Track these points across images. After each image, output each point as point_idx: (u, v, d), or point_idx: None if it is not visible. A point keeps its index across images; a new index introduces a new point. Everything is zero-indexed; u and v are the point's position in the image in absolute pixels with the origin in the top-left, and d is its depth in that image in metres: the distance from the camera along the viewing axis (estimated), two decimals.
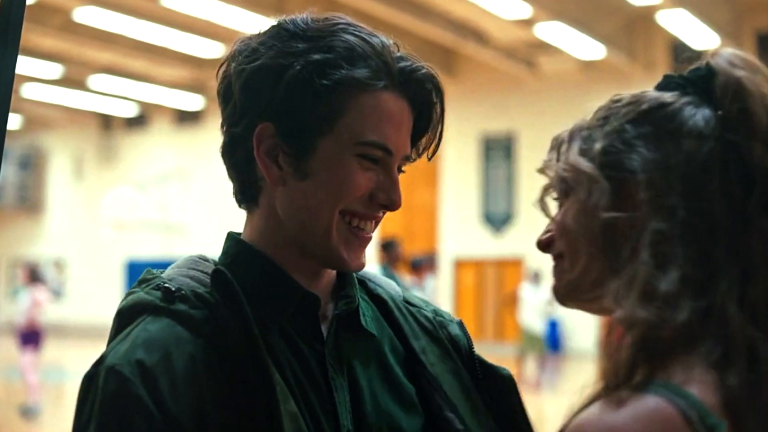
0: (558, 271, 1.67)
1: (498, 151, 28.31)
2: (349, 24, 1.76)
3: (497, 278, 28.72)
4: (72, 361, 23.69)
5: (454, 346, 1.93)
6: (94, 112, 34.08)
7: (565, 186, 1.64)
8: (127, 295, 1.74)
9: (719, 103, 1.55)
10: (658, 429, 1.34)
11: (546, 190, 1.69)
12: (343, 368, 1.77)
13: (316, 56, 1.68)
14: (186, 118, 33.51)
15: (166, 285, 1.69)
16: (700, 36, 22.10)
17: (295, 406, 1.64)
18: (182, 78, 28.67)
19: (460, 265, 29.06)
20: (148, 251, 33.34)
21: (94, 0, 20.87)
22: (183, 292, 1.68)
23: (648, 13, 22.08)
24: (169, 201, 32.06)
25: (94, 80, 28.92)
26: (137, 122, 34.90)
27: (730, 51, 1.59)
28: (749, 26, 24.10)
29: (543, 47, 24.49)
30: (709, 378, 1.41)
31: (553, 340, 25.44)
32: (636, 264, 1.48)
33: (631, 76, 24.89)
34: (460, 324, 1.99)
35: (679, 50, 24.14)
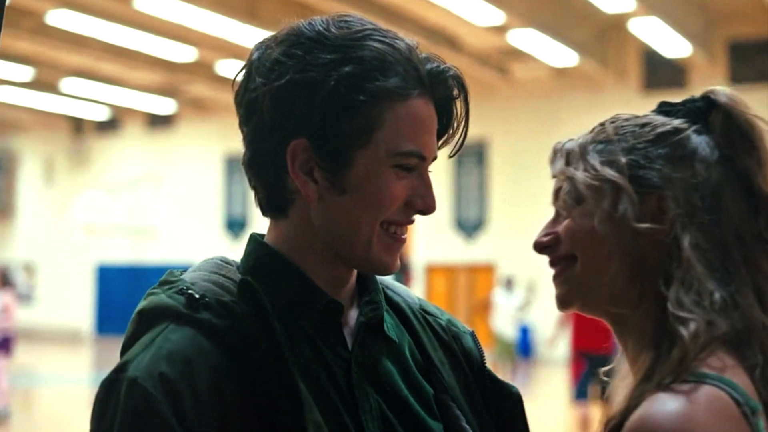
0: (567, 275, 1.75)
1: (470, 157, 28.37)
2: (373, 29, 1.71)
3: (469, 284, 28.77)
4: (42, 366, 23.58)
5: (467, 359, 1.92)
6: (65, 116, 33.96)
7: (577, 194, 1.72)
8: (148, 295, 1.70)
9: (723, 135, 1.71)
10: (719, 414, 1.48)
11: (557, 194, 1.77)
12: (369, 375, 1.74)
13: (348, 68, 1.65)
14: (158, 122, 33.42)
15: (190, 291, 1.66)
16: (672, 44, 22.20)
17: (320, 416, 1.61)
18: (154, 82, 28.59)
19: (431, 270, 29.10)
20: (119, 255, 33.23)
21: (67, 3, 20.79)
22: (207, 299, 1.65)
23: (620, 20, 22.15)
24: (141, 205, 31.95)
25: (66, 83, 28.80)
26: (109, 126, 34.79)
27: (723, 88, 1.77)
28: (721, 35, 24.23)
29: (516, 54, 24.54)
30: (739, 367, 1.56)
31: (525, 346, 25.46)
32: (687, 273, 1.61)
33: (603, 83, 24.98)
34: (473, 336, 1.98)
35: (651, 58, 24.30)
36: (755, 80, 24.04)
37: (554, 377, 20.84)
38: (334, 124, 1.66)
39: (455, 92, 1.76)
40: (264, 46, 1.73)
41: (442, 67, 1.74)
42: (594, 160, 1.71)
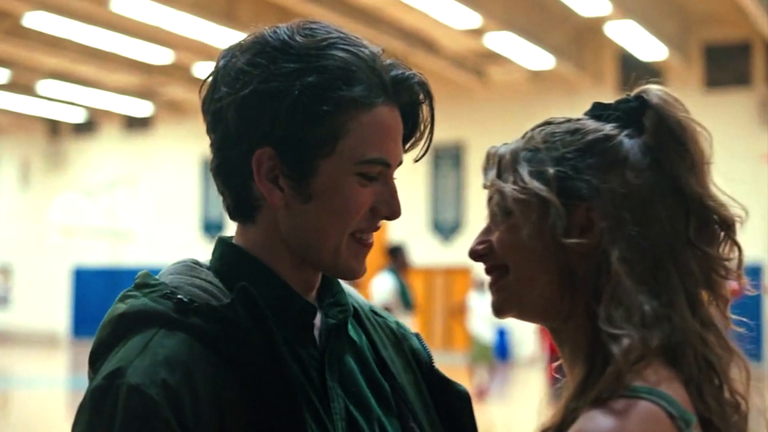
0: (501, 285, 1.73)
1: (447, 160, 28.41)
2: (338, 38, 1.72)
3: (446, 287, 28.80)
4: (18, 368, 23.48)
5: (416, 359, 1.94)
6: (41, 118, 33.84)
7: (506, 206, 1.69)
8: (125, 297, 1.69)
9: (654, 138, 1.67)
10: (653, 430, 1.47)
11: (496, 205, 1.73)
12: (336, 376, 1.76)
13: (311, 78, 1.66)
14: (135, 125, 33.35)
15: (180, 296, 1.65)
16: (648, 47, 22.28)
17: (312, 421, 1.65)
18: (131, 84, 28.53)
19: (408, 273, 29.09)
20: (95, 258, 33.13)
21: (43, 5, 20.72)
22: (197, 304, 1.64)
23: (596, 24, 22.22)
24: (118, 207, 31.86)
25: (42, 85, 28.70)
26: (85, 128, 34.68)
27: (657, 87, 1.72)
28: (696, 38, 24.34)
29: (492, 57, 24.59)
30: (675, 379, 1.56)
31: (502, 349, 25.50)
32: (616, 288, 1.59)
33: (580, 86, 25.06)
34: (419, 337, 2.01)
35: (627, 61, 24.37)
36: (731, 83, 24.19)
37: (531, 380, 20.85)
38: (298, 134, 1.67)
39: (420, 98, 1.77)
40: (229, 54, 1.74)
41: (407, 73, 1.75)
42: (523, 170, 1.68)
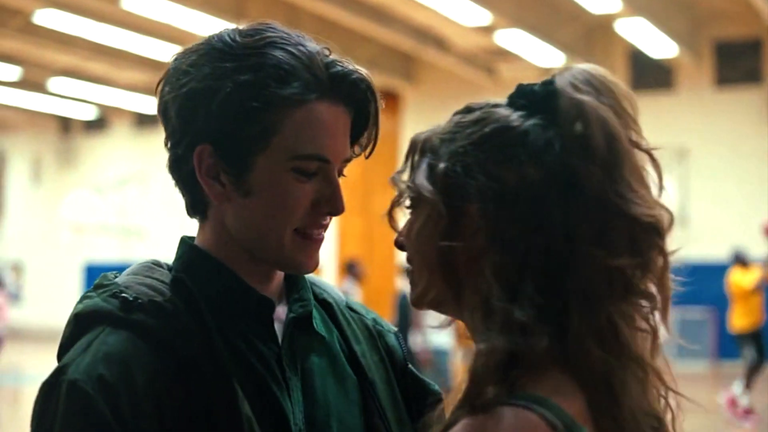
0: (411, 278, 1.68)
1: None
2: (278, 37, 1.76)
3: None
4: (29, 365, 23.51)
5: (390, 357, 1.98)
6: (53, 115, 33.86)
7: (406, 202, 1.65)
8: (83, 298, 1.76)
9: (562, 126, 1.53)
10: None
11: (396, 202, 1.68)
12: (297, 369, 1.80)
13: (245, 77, 1.70)
14: (145, 122, 33.33)
15: (124, 294, 1.71)
16: (659, 45, 22.24)
17: (250, 409, 1.67)
18: (142, 81, 28.52)
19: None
20: (106, 255, 33.15)
21: (54, 2, 20.74)
22: (140, 301, 1.70)
23: (607, 21, 22.19)
24: (128, 204, 31.89)
25: (54, 83, 28.73)
26: (96, 125, 34.70)
27: (577, 69, 1.58)
28: (707, 35, 24.27)
29: (503, 54, 24.54)
30: (573, 390, 1.48)
31: None
32: (486, 295, 1.50)
33: None
34: (397, 335, 2.04)
35: (638, 59, 24.33)
36: (742, 80, 24.13)
37: None
38: (232, 131, 1.72)
39: (361, 95, 1.79)
40: (179, 56, 1.81)
41: (347, 69, 1.78)
42: (423, 164, 1.60)
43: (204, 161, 1.74)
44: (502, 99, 1.65)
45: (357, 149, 1.85)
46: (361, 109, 1.81)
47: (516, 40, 21.95)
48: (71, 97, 30.39)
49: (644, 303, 1.56)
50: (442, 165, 1.57)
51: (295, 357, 1.81)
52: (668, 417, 1.60)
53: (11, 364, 21.41)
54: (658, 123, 23.91)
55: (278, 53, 1.72)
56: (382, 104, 1.85)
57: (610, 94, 1.54)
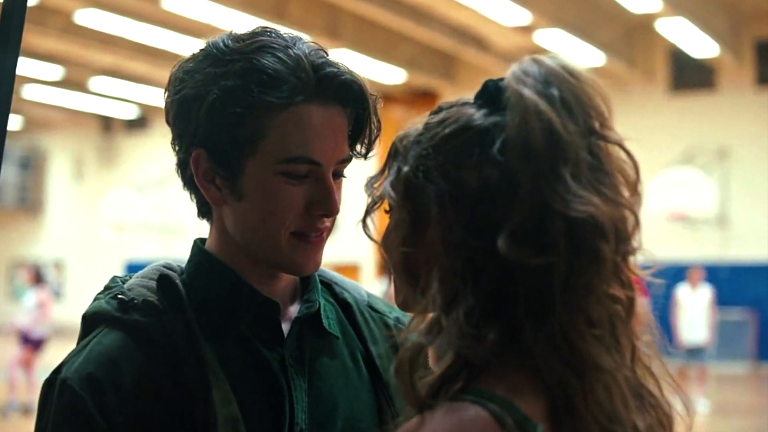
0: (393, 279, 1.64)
1: None
2: (269, 41, 1.77)
3: None
4: None
5: None
6: (94, 114, 34.04)
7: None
8: (94, 300, 1.84)
9: (506, 122, 1.46)
10: (465, 429, 1.36)
11: (369, 210, 1.63)
12: (304, 369, 1.82)
13: (230, 83, 1.73)
14: None
15: (121, 296, 1.78)
16: (699, 44, 22.11)
17: (238, 410, 1.69)
18: None
19: None
20: (147, 253, 33.31)
21: (95, 2, 20.86)
22: (136, 301, 1.76)
23: (647, 20, 22.07)
24: (168, 203, 32.02)
25: (95, 82, 28.89)
26: (137, 124, 34.86)
27: (530, 60, 1.53)
28: (748, 35, 24.11)
29: (543, 54, 24.40)
30: (534, 390, 1.43)
31: None
32: (434, 299, 1.47)
33: (631, 83, 24.90)
34: None
35: (678, 58, 24.20)
36: None
37: None
38: (221, 136, 1.74)
39: (354, 95, 1.79)
40: (179, 63, 1.85)
41: (337, 71, 1.78)
42: (393, 168, 1.55)
43: (200, 166, 1.78)
44: (467, 97, 1.58)
45: (362, 150, 1.86)
46: (356, 110, 1.82)
47: (556, 39, 21.88)
48: (112, 96, 30.55)
49: (609, 305, 1.46)
50: (405, 169, 1.52)
51: (303, 358, 1.83)
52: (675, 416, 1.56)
53: (52, 361, 21.53)
54: (699, 123, 23.81)
55: (265, 58, 1.74)
56: (380, 103, 1.85)
57: (563, 85, 1.47)
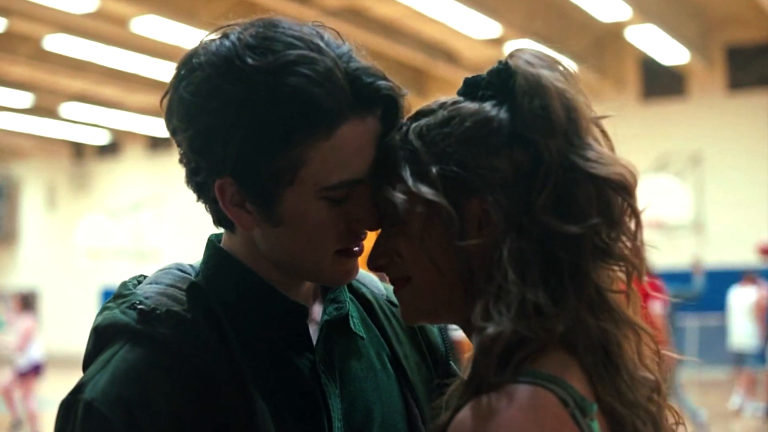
0: (407, 295, 1.64)
1: None
2: (294, 55, 1.60)
3: None
4: (47, 391, 23.51)
5: (432, 353, 1.92)
6: (66, 141, 33.94)
7: (398, 215, 1.59)
8: (103, 309, 1.69)
9: (519, 103, 1.54)
10: (538, 414, 1.38)
11: (394, 219, 1.62)
12: (335, 373, 1.74)
13: (262, 112, 1.57)
14: (159, 145, 33.38)
15: (141, 305, 1.64)
16: (670, 51, 22.19)
17: (272, 425, 1.60)
18: (154, 104, 28.54)
19: None
20: (123, 279, 33.17)
21: (64, 27, 20.80)
22: (158, 312, 1.63)
23: (617, 29, 22.15)
24: (143, 228, 31.94)
25: (66, 108, 28.80)
26: (109, 150, 34.78)
27: (528, 50, 1.60)
28: (718, 40, 24.21)
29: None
30: (576, 367, 1.48)
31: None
32: (500, 282, 1.48)
33: (602, 92, 24.98)
34: (441, 330, 1.97)
35: (649, 66, 24.30)
36: (754, 85, 24.06)
37: None
38: (255, 167, 1.60)
39: (387, 104, 1.67)
40: (180, 77, 1.67)
41: (370, 83, 1.64)
42: (406, 173, 1.57)
43: (227, 192, 1.64)
44: (452, 97, 1.65)
45: None
46: (389, 118, 1.68)
47: None
48: (83, 122, 30.47)
49: (621, 266, 1.56)
50: (434, 168, 1.55)
51: (333, 362, 1.75)
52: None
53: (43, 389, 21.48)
54: (671, 130, 23.91)
55: (295, 80, 1.57)
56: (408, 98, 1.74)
57: (561, 67, 1.59)
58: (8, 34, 21.47)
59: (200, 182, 1.68)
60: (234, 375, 1.59)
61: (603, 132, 1.61)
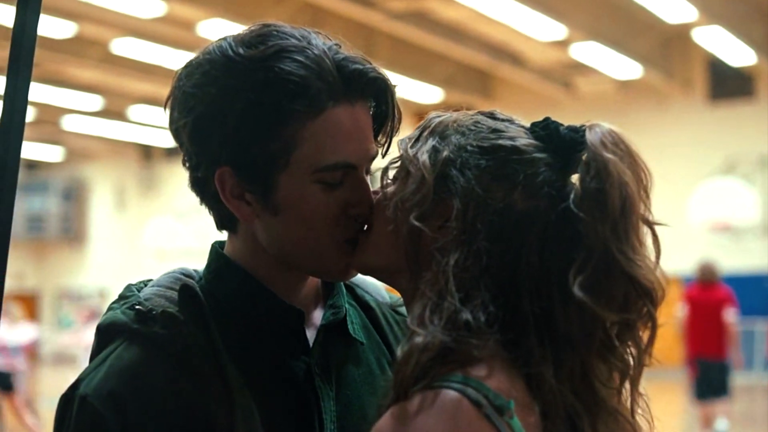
0: (361, 245, 1.72)
1: None
2: (283, 43, 1.69)
3: None
4: None
5: None
6: (134, 143, 34.23)
7: (398, 168, 1.68)
8: (108, 309, 1.77)
9: (580, 176, 1.58)
10: (448, 415, 1.41)
11: (391, 163, 1.71)
12: (331, 377, 1.78)
13: (254, 95, 1.65)
14: None
15: (139, 306, 1.71)
16: (737, 53, 21.98)
17: (262, 425, 1.65)
18: None
19: None
20: None
21: (132, 31, 21.02)
22: (154, 312, 1.69)
23: (684, 30, 21.98)
24: (210, 229, 32.08)
25: (134, 111, 29.07)
26: (177, 152, 34.48)
27: (607, 128, 1.62)
28: None
29: (579, 68, 24.40)
30: (511, 377, 1.49)
31: None
32: (440, 290, 1.52)
33: (669, 94, 24.81)
34: None
35: (716, 67, 24.06)
36: None
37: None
38: (250, 152, 1.67)
39: (377, 89, 1.74)
40: (182, 75, 1.77)
41: (359, 69, 1.71)
42: (429, 143, 1.64)
43: (226, 183, 1.71)
44: (527, 123, 1.71)
45: (383, 140, 1.82)
46: (380, 103, 1.76)
47: (592, 53, 21.82)
48: (152, 124, 30.70)
49: (619, 366, 1.60)
50: (445, 153, 1.61)
51: (329, 365, 1.79)
52: None
53: None
54: (738, 132, 23.66)
55: (285, 64, 1.66)
56: (397, 92, 1.80)
57: (632, 160, 1.59)
58: (78, 39, 21.71)
59: (201, 178, 1.75)
60: (219, 376, 1.65)
61: (654, 234, 1.62)
